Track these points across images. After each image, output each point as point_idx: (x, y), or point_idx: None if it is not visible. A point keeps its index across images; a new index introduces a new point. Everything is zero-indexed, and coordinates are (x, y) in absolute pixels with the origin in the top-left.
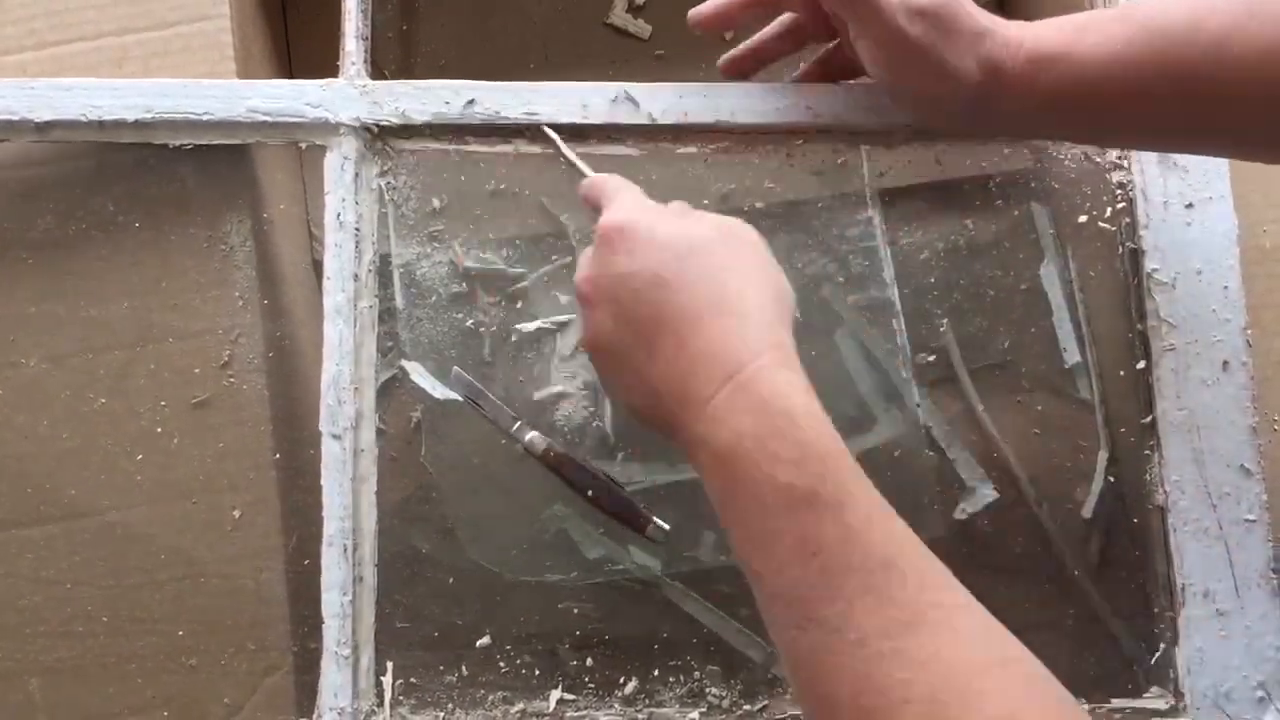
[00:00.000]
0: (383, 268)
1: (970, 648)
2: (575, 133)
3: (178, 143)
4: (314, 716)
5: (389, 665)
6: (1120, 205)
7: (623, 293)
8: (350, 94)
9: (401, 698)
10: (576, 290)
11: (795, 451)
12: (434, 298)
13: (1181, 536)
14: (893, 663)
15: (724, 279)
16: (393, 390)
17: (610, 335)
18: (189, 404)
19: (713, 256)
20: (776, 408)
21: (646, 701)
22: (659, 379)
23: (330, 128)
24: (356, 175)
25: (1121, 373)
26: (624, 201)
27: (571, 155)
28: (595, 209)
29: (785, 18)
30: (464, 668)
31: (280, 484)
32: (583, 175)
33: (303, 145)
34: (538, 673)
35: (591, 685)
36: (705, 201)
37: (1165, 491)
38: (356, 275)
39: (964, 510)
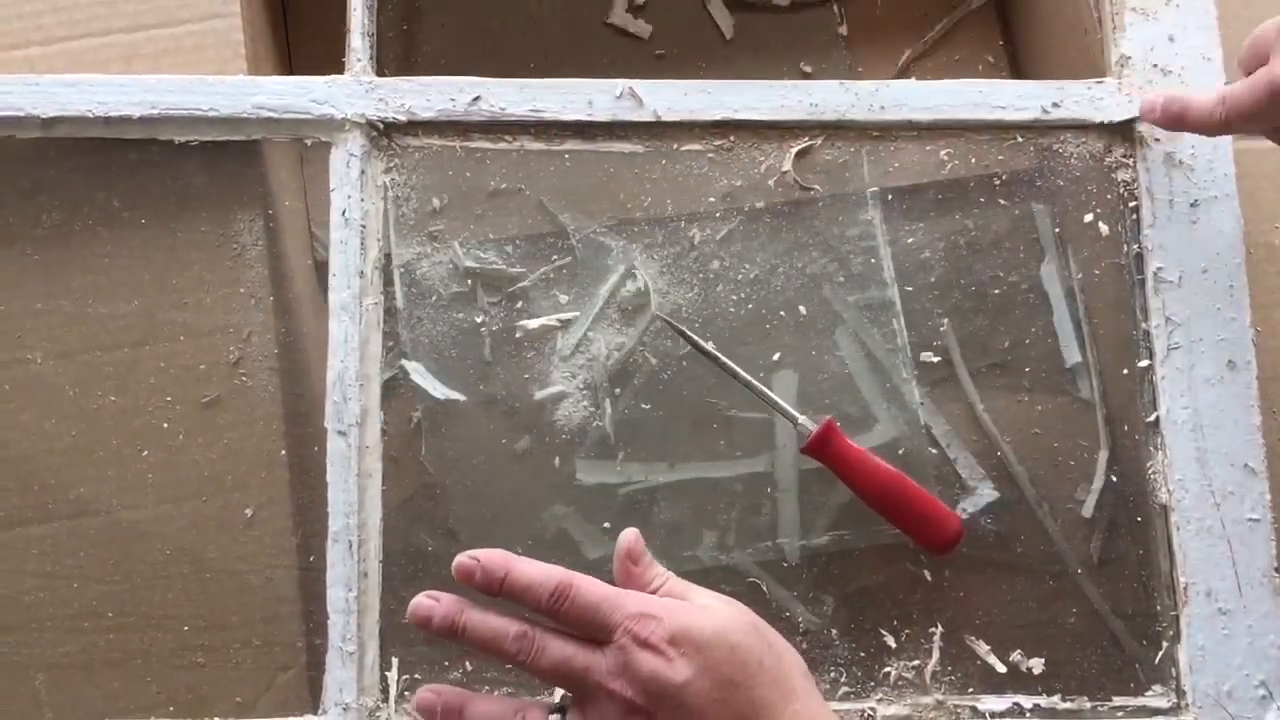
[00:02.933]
0: (383, 267)
1: None
2: (580, 130)
3: (183, 139)
4: (319, 712)
5: (394, 661)
6: (1125, 204)
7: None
8: (356, 90)
9: (406, 693)
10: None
11: None
12: (434, 298)
13: (1185, 535)
14: None
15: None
16: (393, 390)
17: None
18: (198, 402)
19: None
20: None
21: None
22: None
23: (336, 124)
24: (362, 172)
25: (1123, 371)
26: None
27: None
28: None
29: None
30: (468, 664)
31: (293, 483)
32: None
33: (308, 141)
34: None
35: None
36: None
37: (1169, 490)
38: (362, 272)
39: (964, 510)
